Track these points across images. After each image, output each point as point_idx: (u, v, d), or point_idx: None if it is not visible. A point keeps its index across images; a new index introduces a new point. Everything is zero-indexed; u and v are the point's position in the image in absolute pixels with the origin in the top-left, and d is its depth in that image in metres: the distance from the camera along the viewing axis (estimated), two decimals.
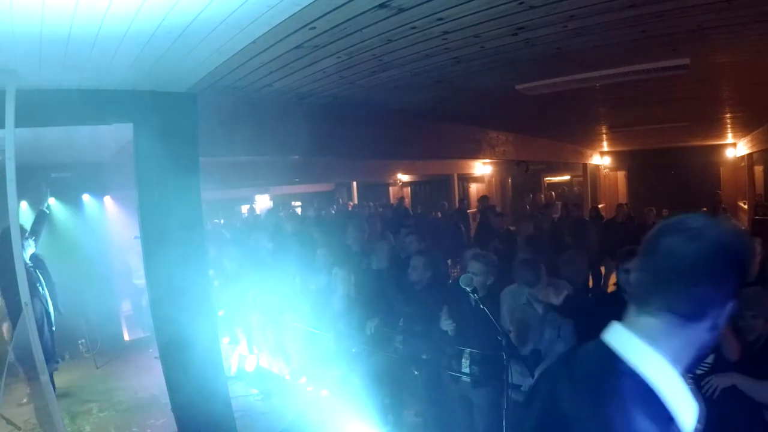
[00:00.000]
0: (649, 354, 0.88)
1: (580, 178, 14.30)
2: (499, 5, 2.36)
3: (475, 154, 8.66)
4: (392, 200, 14.68)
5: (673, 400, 0.84)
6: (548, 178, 16.49)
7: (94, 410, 4.67)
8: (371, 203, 12.62)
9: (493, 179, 16.16)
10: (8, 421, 4.27)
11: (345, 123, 5.10)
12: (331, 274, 4.41)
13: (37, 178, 5.31)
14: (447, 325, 3.22)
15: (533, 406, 1.01)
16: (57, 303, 4.85)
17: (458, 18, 2.50)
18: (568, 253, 4.03)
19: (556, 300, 3.21)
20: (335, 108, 4.72)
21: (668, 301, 0.88)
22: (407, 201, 14.95)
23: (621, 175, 14.92)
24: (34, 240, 4.77)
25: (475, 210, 10.89)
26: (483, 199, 11.57)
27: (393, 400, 4.05)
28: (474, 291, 2.70)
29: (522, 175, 13.21)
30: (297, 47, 2.77)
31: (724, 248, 0.87)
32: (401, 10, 2.33)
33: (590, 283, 5.69)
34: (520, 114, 6.36)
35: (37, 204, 5.22)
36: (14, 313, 4.21)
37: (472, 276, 2.94)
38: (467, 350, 3.24)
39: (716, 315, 0.88)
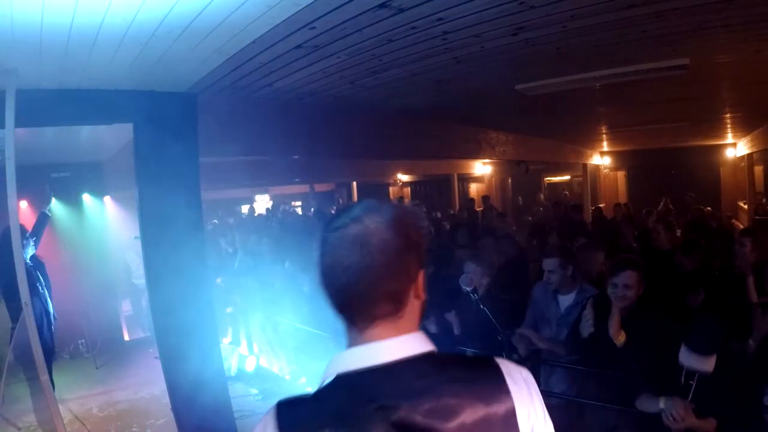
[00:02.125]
0: None
1: (580, 178, 14.31)
2: (499, 5, 2.36)
3: (475, 154, 8.66)
4: (392, 200, 14.68)
5: None
6: (548, 178, 16.49)
7: (94, 410, 4.67)
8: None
9: (493, 179, 16.17)
10: (8, 421, 4.27)
11: (345, 123, 5.10)
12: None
13: (37, 178, 5.32)
14: (432, 328, 3.24)
15: None
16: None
17: (458, 18, 2.50)
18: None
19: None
20: (335, 108, 4.72)
21: None
22: (406, 201, 14.97)
23: (621, 175, 14.91)
24: (35, 241, 4.77)
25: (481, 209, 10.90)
26: (485, 199, 11.60)
27: None
28: (474, 291, 2.70)
29: (522, 175, 13.21)
30: (297, 47, 2.77)
31: None
32: (401, 10, 2.33)
33: None
34: (520, 114, 6.35)
35: (37, 204, 5.22)
36: (15, 312, 4.21)
37: (472, 276, 2.94)
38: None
39: None
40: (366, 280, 0.85)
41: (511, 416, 0.87)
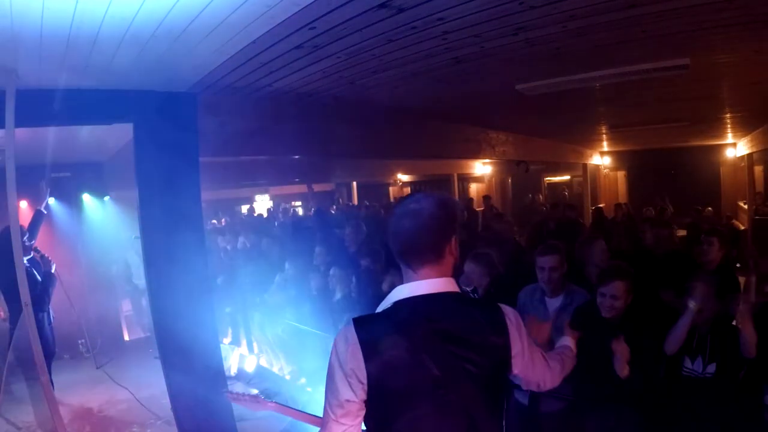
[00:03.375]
0: None
1: (580, 178, 14.31)
2: (499, 5, 2.36)
3: (475, 154, 8.65)
4: (392, 200, 14.68)
5: None
6: (548, 178, 16.49)
7: (94, 410, 4.67)
8: (366, 203, 12.53)
9: (493, 179, 16.17)
10: (8, 421, 4.27)
11: (345, 123, 5.09)
12: (329, 274, 4.40)
13: (37, 178, 5.31)
14: None
15: None
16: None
17: (458, 18, 2.50)
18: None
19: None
20: (335, 108, 4.72)
21: None
22: None
23: (621, 175, 14.91)
24: (31, 241, 4.75)
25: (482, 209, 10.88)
26: (486, 199, 11.59)
27: None
28: (474, 291, 2.70)
29: (522, 175, 13.21)
30: (297, 47, 2.77)
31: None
32: (401, 10, 2.33)
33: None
34: (520, 114, 6.36)
35: (37, 204, 5.21)
36: (15, 312, 4.20)
37: (471, 276, 2.94)
38: None
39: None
40: (418, 237, 1.31)
41: (506, 344, 1.33)
